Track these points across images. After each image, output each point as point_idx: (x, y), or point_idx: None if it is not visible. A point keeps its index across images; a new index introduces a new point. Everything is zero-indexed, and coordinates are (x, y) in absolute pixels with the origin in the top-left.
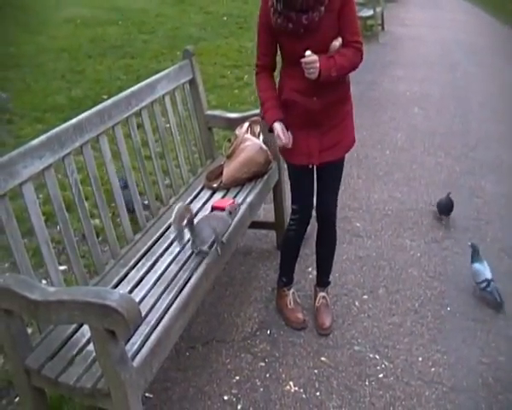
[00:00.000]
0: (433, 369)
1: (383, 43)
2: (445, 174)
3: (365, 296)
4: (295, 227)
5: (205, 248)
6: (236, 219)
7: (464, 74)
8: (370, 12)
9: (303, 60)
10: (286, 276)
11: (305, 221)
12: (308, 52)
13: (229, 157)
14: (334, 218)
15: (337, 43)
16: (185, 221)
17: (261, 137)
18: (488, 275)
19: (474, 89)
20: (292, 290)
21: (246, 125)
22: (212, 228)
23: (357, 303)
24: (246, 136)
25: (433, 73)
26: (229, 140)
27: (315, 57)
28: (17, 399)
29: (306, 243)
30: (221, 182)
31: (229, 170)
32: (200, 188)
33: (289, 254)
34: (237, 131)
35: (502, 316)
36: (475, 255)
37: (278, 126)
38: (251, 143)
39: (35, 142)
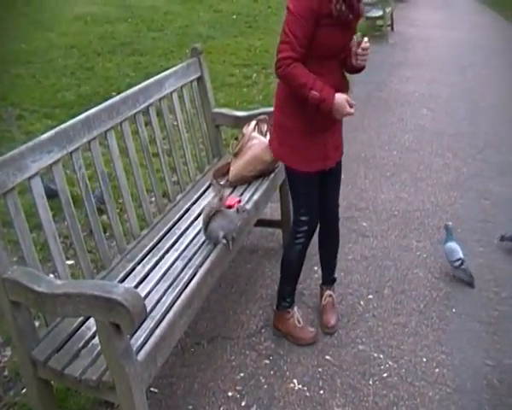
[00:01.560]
0: (437, 370)
1: (392, 44)
2: (452, 176)
3: (370, 296)
4: (304, 240)
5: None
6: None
7: (474, 76)
8: (380, 12)
9: (363, 45)
10: (291, 297)
11: (314, 230)
12: (366, 38)
13: (235, 155)
14: (338, 217)
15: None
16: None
17: (268, 135)
18: (461, 254)
19: (483, 91)
20: (295, 307)
21: (253, 123)
22: (221, 226)
23: (362, 303)
24: (253, 134)
25: (443, 74)
26: (237, 138)
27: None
28: (24, 390)
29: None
30: (228, 180)
31: (236, 168)
32: (206, 185)
33: (296, 270)
34: (244, 130)
35: (508, 318)
36: (449, 236)
37: (344, 96)
38: (258, 141)
39: (44, 136)
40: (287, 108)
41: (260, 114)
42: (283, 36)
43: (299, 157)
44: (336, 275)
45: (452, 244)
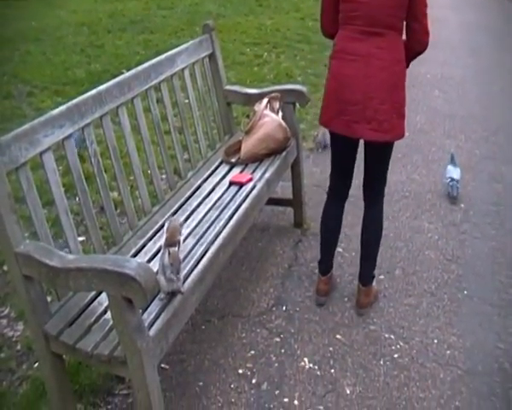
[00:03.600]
0: (448, 352)
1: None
2: (464, 158)
3: (381, 276)
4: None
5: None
6: (254, 193)
7: (487, 58)
8: None
9: None
10: (319, 263)
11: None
12: None
13: (247, 133)
14: (376, 199)
15: None
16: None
17: (280, 113)
18: (455, 176)
19: (497, 73)
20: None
21: (265, 101)
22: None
23: (373, 283)
24: (265, 112)
25: (455, 55)
26: (248, 116)
27: None
28: (36, 364)
29: None
30: (239, 157)
31: (248, 145)
32: (218, 163)
33: (321, 232)
34: (256, 107)
35: None
36: (452, 161)
37: None
38: (270, 119)
39: (55, 111)
40: (403, 82)
41: (272, 91)
42: (424, 10)
43: None
44: (347, 255)
45: (451, 167)
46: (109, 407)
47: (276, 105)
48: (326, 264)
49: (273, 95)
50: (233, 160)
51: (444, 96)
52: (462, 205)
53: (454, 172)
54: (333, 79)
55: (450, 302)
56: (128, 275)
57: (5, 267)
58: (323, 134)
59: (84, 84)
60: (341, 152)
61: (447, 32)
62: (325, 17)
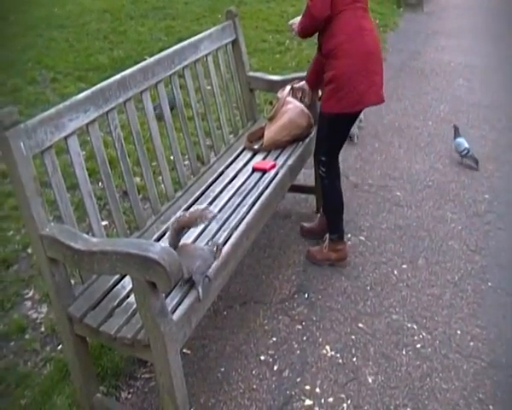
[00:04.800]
0: (471, 343)
1: (428, 12)
2: (489, 147)
3: (404, 266)
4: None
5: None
6: (277, 180)
7: (511, 47)
8: None
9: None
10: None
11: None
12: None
13: (270, 119)
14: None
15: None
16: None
17: (306, 100)
18: (467, 145)
19: None
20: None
21: (288, 87)
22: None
23: (395, 272)
24: (288, 98)
25: (479, 43)
26: (271, 103)
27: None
28: (60, 346)
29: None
30: (262, 144)
31: (271, 132)
32: (240, 149)
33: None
34: (279, 94)
35: None
36: (457, 133)
37: None
38: (293, 106)
39: (80, 96)
40: None
41: (296, 78)
42: None
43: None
44: (370, 243)
45: (460, 139)
46: (131, 390)
47: (299, 92)
48: (343, 229)
49: (296, 85)
50: (256, 146)
51: (467, 85)
52: (487, 196)
53: (465, 143)
54: (359, 57)
55: (473, 293)
56: (152, 259)
57: (29, 250)
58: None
59: (106, 70)
60: (349, 129)
61: (471, 20)
62: (323, 0)
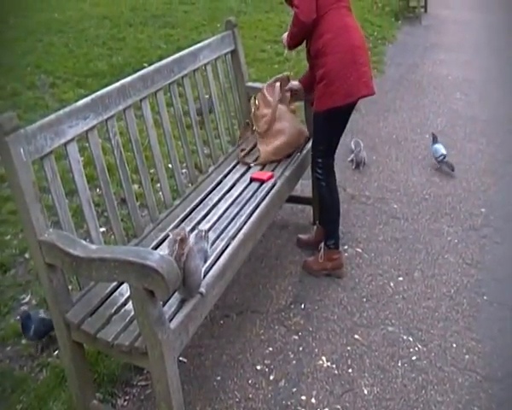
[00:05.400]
0: (467, 356)
1: (426, 26)
2: (485, 161)
3: (400, 278)
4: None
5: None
6: (275, 190)
7: (509, 61)
8: None
9: None
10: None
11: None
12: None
13: (262, 134)
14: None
15: None
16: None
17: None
18: (444, 152)
19: None
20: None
21: (277, 91)
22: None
23: (392, 284)
24: (281, 108)
25: (477, 57)
26: (248, 124)
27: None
28: (56, 352)
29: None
30: (257, 158)
31: (267, 152)
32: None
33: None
34: (269, 97)
35: None
36: (435, 140)
37: None
38: (288, 124)
39: (80, 103)
40: None
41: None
42: None
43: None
44: (366, 255)
45: (437, 146)
46: (127, 397)
47: (287, 94)
48: (339, 236)
49: (294, 87)
50: (249, 161)
51: (465, 99)
52: (483, 209)
53: (442, 149)
54: (346, 51)
55: (469, 307)
56: (151, 267)
57: (26, 255)
58: (358, 152)
59: (105, 76)
60: (344, 123)
61: (469, 34)
62: (309, 4)
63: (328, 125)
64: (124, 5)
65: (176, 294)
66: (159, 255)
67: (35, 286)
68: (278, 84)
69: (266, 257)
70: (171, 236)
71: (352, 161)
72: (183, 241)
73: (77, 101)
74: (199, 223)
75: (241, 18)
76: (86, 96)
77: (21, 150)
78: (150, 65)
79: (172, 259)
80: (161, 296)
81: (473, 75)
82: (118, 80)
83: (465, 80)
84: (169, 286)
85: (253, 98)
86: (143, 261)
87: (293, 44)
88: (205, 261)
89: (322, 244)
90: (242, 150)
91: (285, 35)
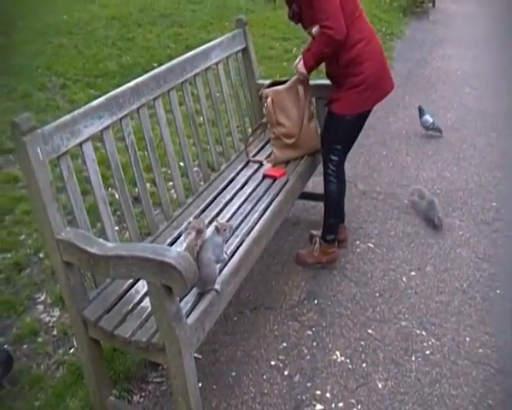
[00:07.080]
0: (480, 350)
1: (434, 21)
2: (496, 155)
3: (413, 273)
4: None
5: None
6: (288, 187)
7: None
8: None
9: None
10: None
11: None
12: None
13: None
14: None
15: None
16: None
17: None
18: (432, 120)
19: None
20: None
21: (303, 109)
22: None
23: (404, 279)
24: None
25: (486, 52)
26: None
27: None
28: (72, 350)
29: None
30: (269, 154)
31: (281, 158)
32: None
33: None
34: (291, 107)
35: None
36: (422, 112)
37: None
38: (309, 139)
39: (94, 103)
40: None
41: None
42: None
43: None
44: (378, 250)
45: (426, 117)
46: (143, 393)
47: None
48: (337, 232)
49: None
50: (260, 159)
51: (474, 93)
52: (494, 203)
53: (430, 119)
54: (378, 56)
55: (482, 301)
56: (168, 263)
57: (41, 254)
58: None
59: (115, 76)
60: (363, 123)
61: (477, 28)
62: (340, 22)
63: (353, 128)
64: (132, 5)
65: (192, 290)
66: (176, 252)
67: (50, 285)
68: (303, 96)
69: (279, 253)
70: (191, 224)
71: (428, 220)
72: (199, 232)
73: (87, 101)
74: (212, 220)
75: (249, 16)
76: (97, 96)
77: (39, 150)
78: (160, 64)
79: (186, 249)
80: (179, 292)
81: (482, 69)
82: (127, 80)
83: (474, 75)
84: (187, 282)
85: (263, 94)
86: (161, 258)
87: (317, 65)
88: (217, 262)
89: (318, 238)
90: (249, 150)
91: (299, 62)
